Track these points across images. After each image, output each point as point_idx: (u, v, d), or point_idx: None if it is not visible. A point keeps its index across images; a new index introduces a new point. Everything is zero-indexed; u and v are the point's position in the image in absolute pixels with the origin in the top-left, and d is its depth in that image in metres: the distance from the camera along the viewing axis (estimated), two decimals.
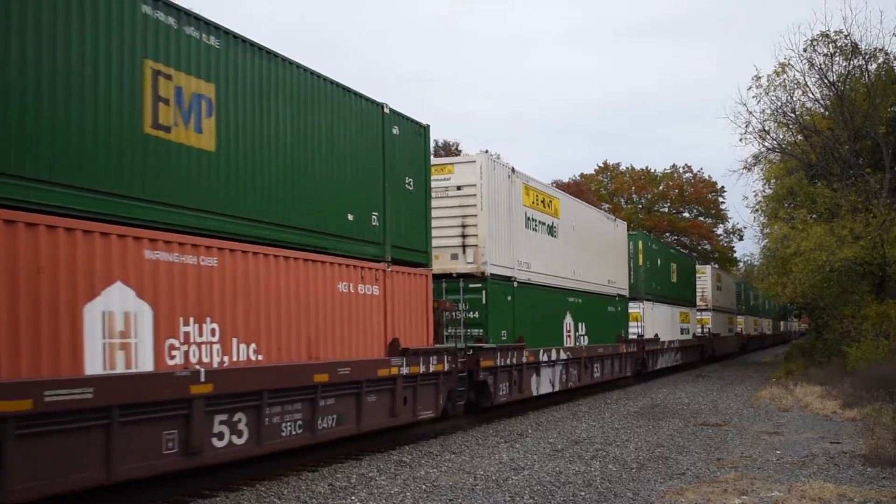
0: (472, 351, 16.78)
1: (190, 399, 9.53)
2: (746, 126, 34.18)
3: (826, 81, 31.43)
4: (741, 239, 73.75)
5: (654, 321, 31.73)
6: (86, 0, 8.62)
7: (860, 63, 30.70)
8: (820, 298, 31.04)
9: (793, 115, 32.80)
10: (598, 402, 23.50)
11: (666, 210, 72.74)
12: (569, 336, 22.52)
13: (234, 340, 10.44)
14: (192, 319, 9.76)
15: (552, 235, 21.79)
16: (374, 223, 13.62)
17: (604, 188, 72.71)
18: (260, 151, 11.11)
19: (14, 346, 7.67)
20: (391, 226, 14.02)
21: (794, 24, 73.40)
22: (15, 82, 7.85)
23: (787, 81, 31.86)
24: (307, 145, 12.10)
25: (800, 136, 34.23)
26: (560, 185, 60.48)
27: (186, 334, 9.68)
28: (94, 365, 8.46)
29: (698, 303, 43.13)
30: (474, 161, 17.98)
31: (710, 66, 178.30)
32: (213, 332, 10.09)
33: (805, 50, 31.05)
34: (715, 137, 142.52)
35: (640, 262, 30.75)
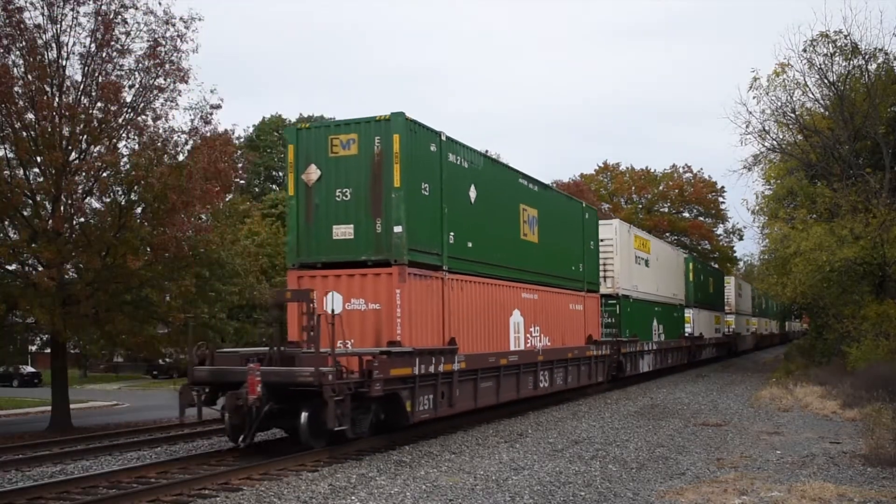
0: (615, 343, 26.91)
1: (536, 363, 20.25)
2: (746, 126, 34.16)
3: (826, 81, 31.36)
4: (741, 239, 73.82)
5: (699, 323, 41.62)
6: (503, 182, 19.17)
7: (860, 63, 30.65)
8: (820, 298, 31.02)
9: (793, 115, 32.74)
10: (598, 402, 23.52)
11: (666, 210, 72.71)
12: (655, 333, 32.85)
13: (543, 335, 20.94)
14: (532, 324, 20.28)
15: (647, 266, 32.19)
16: (580, 269, 24.28)
17: (604, 188, 72.67)
18: (551, 239, 21.76)
19: (492, 338, 17.90)
20: (586, 270, 24.74)
21: (794, 24, 73.32)
22: (482, 226, 17.79)
23: (786, 81, 31.81)
24: (562, 231, 22.96)
25: (800, 136, 34.17)
26: (560, 185, 60.52)
27: (531, 331, 20.20)
28: (511, 346, 18.93)
29: (725, 307, 51.97)
30: (611, 224, 29.02)
31: (710, 65, 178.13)
32: (538, 330, 20.62)
33: (805, 50, 30.98)
34: (715, 137, 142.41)
35: (691, 279, 40.49)
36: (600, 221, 27.65)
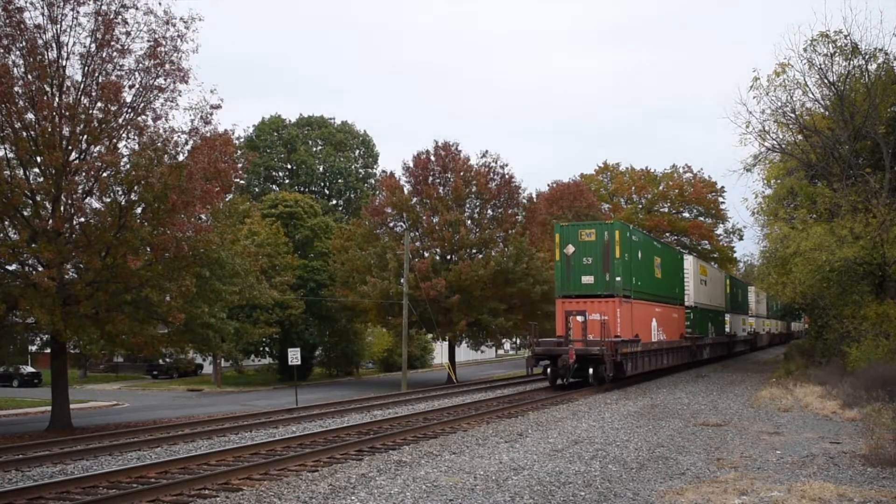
0: (692, 338, 39.66)
1: (662, 349, 34.07)
2: (746, 126, 34.04)
3: (826, 81, 31.27)
4: (741, 239, 73.79)
5: (733, 324, 52.96)
6: (648, 245, 33.58)
7: (860, 63, 30.55)
8: (820, 298, 30.97)
9: (793, 115, 32.64)
10: (598, 402, 23.52)
11: (666, 210, 72.68)
12: (710, 332, 44.58)
13: (663, 333, 34.20)
14: (659, 326, 33.59)
15: (705, 285, 43.99)
16: (676, 291, 37.76)
17: (604, 188, 72.64)
18: (667, 273, 35.91)
19: (645, 334, 31.36)
20: (679, 290, 38.19)
21: (795, 24, 73.30)
22: (636, 271, 30.91)
23: (787, 81, 31.67)
24: (670, 268, 36.65)
25: (800, 136, 34.11)
26: (560, 186, 60.35)
27: (659, 330, 33.56)
28: (652, 339, 32.47)
29: (748, 311, 62.45)
30: (689, 258, 41.37)
31: (710, 66, 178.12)
32: (661, 330, 33.85)
33: (805, 50, 30.83)
34: (715, 138, 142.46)
35: (728, 291, 51.86)
36: (683, 257, 41.31)
